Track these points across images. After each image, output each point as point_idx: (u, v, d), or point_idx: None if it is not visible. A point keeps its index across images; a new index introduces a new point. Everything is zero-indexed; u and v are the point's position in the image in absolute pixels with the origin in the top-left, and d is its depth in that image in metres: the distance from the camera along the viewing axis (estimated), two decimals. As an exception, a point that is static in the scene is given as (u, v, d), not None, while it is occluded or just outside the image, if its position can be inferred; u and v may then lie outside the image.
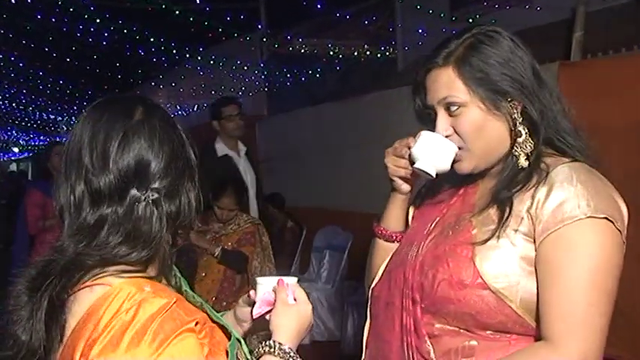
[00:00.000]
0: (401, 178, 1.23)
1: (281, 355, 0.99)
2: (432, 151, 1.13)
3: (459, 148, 1.12)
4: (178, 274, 1.01)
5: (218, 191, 3.10)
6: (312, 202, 5.30)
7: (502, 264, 1.04)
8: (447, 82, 1.11)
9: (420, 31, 5.27)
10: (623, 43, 3.79)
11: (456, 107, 1.10)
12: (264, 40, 7.01)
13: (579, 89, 3.51)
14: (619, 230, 1.03)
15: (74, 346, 0.83)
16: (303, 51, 6.37)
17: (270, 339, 1.02)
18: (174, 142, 0.94)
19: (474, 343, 1.07)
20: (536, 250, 1.04)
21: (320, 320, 4.48)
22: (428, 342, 1.10)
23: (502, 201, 1.08)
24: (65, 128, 14.23)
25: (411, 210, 1.31)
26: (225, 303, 3.03)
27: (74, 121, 0.98)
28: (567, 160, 1.09)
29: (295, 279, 1.11)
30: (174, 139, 0.94)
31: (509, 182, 1.10)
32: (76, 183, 0.90)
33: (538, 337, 1.04)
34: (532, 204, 1.05)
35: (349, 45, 6.15)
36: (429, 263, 1.11)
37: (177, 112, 8.05)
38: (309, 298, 1.09)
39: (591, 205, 1.02)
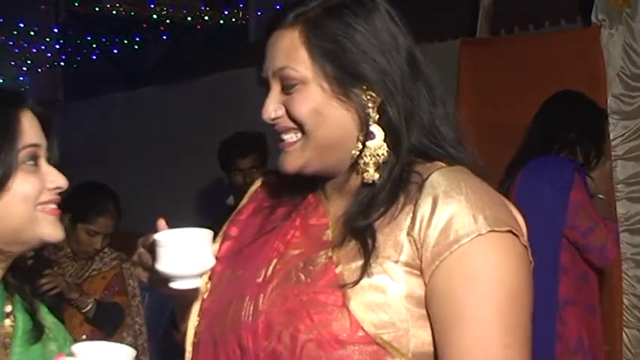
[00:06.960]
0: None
1: None
2: (184, 259, 0.99)
3: (292, 133, 1.02)
4: None
5: (91, 208, 2.71)
6: (131, 224, 4.28)
7: (385, 308, 0.94)
8: (288, 49, 1.01)
9: (279, -10, 4.99)
10: (545, 15, 3.43)
11: (293, 84, 1.00)
12: (60, -4, 6.62)
13: (484, 75, 3.30)
14: (525, 246, 0.96)
15: None
16: (115, 12, 5.90)
17: None
18: None
19: None
20: (426, 285, 0.94)
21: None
22: None
23: (360, 231, 0.98)
24: None
25: (217, 246, 1.15)
26: None
27: None
28: (443, 164, 1.00)
29: (126, 353, 0.99)
30: None
31: (365, 206, 1.00)
32: None
33: None
34: (414, 224, 0.95)
35: (180, 7, 5.84)
36: (280, 321, 0.99)
37: None
38: None
39: (489, 216, 0.93)
